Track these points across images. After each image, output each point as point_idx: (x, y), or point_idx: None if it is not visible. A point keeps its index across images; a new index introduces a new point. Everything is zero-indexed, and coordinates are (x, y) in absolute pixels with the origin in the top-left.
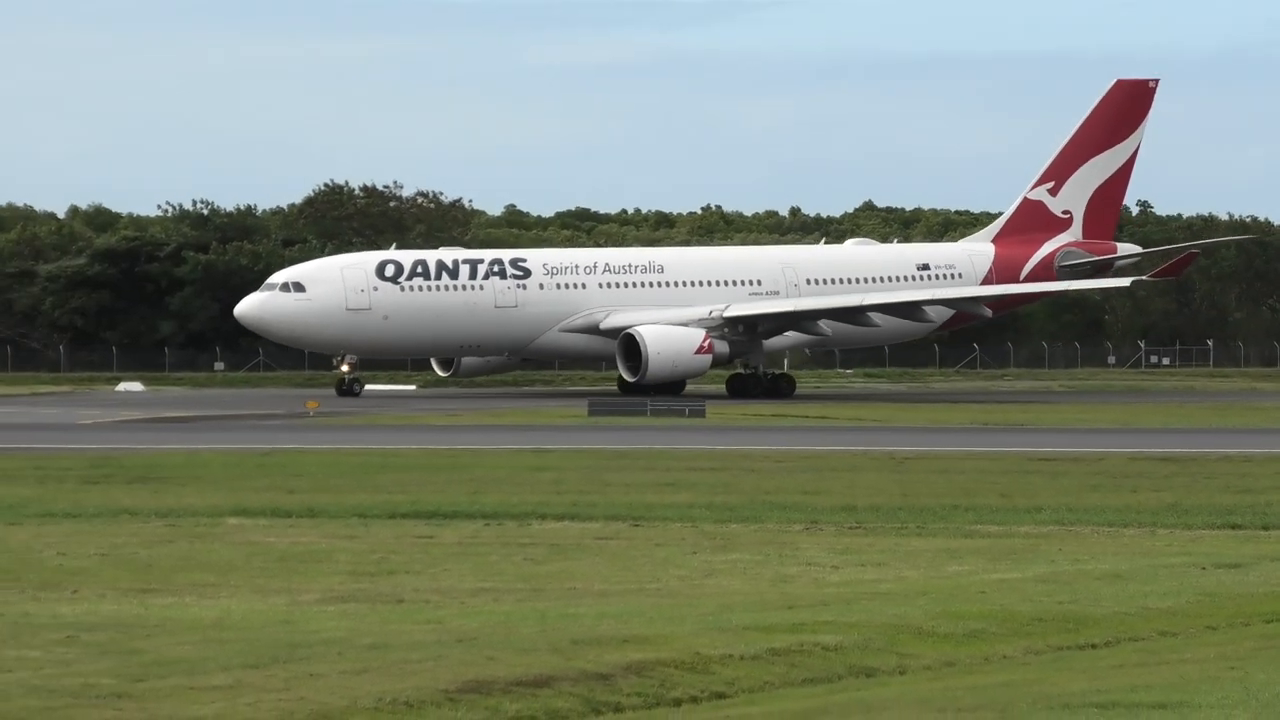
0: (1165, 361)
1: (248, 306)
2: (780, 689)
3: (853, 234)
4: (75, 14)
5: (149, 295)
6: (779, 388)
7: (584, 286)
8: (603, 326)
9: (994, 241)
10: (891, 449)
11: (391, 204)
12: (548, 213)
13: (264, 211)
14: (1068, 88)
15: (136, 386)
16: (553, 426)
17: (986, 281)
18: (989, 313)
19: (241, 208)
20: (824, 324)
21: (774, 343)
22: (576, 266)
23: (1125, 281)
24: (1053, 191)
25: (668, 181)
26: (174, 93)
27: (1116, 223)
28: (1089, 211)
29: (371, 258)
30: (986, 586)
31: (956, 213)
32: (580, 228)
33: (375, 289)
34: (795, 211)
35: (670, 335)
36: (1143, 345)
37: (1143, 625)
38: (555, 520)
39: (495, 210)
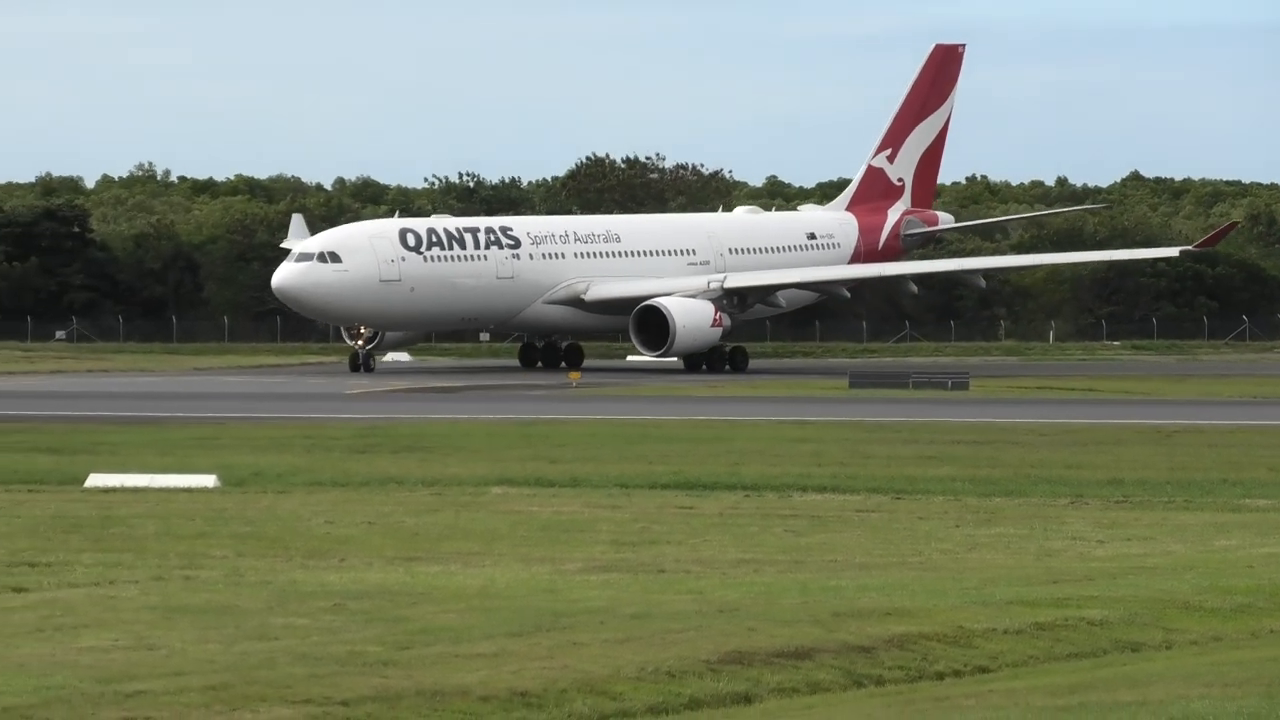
0: None
1: (287, 277)
2: (1044, 663)
3: (1120, 204)
4: None
5: None
6: (736, 361)
7: (563, 256)
8: (587, 298)
9: (849, 210)
10: (1158, 422)
11: (653, 175)
12: (809, 184)
13: (528, 184)
14: None
15: (404, 357)
16: (813, 398)
17: (856, 250)
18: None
19: (506, 180)
20: (780, 295)
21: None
22: (554, 235)
23: (1174, 251)
24: (890, 159)
25: None
26: (440, 65)
27: (935, 190)
28: (916, 178)
29: (392, 225)
30: (1255, 561)
31: (1226, 183)
32: None
33: (403, 259)
34: (1062, 181)
35: (691, 308)
36: None
37: None
38: (816, 492)
39: (756, 181)
